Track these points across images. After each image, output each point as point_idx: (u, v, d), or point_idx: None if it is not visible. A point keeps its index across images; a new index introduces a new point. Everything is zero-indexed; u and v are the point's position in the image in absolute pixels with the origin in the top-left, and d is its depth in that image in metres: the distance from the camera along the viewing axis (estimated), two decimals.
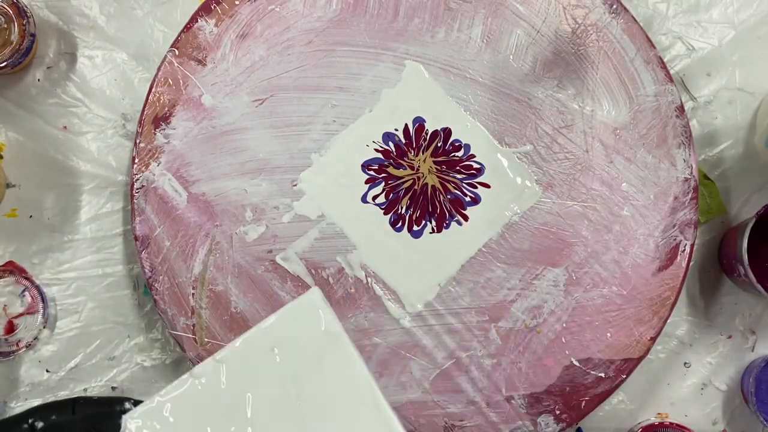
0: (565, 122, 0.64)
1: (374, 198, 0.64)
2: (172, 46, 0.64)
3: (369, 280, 0.63)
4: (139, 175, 0.63)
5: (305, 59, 0.64)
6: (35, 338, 0.64)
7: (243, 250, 0.63)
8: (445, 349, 0.63)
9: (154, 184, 0.63)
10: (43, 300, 0.64)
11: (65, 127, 0.66)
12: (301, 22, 0.64)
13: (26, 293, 0.65)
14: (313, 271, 0.63)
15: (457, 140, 0.64)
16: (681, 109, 0.64)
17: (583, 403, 0.62)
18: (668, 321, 0.63)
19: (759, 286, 0.60)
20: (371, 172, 0.64)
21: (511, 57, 0.65)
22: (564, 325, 0.63)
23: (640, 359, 0.62)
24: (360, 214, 0.63)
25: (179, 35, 0.64)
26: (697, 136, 0.67)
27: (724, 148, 0.68)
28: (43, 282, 0.65)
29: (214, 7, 0.64)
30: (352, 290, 0.63)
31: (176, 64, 0.64)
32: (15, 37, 0.62)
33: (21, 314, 0.65)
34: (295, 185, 0.64)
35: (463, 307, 0.63)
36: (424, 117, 0.64)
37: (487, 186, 0.64)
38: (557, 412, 0.62)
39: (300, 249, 0.63)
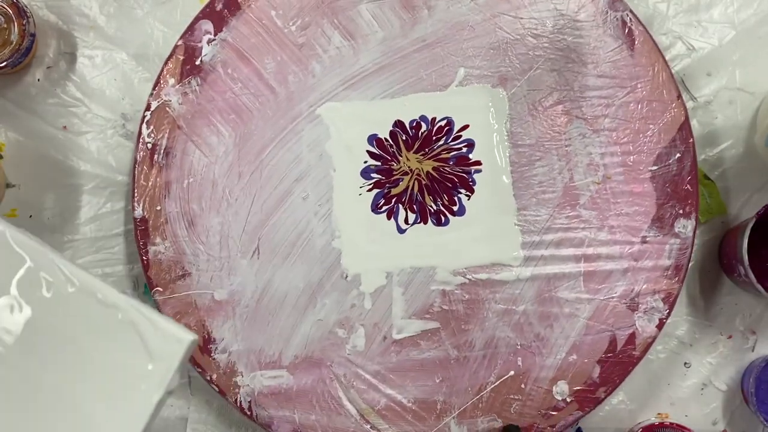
0: (464, 27, 0.65)
1: (405, 221, 0.64)
2: (152, 288, 0.63)
3: (469, 276, 0.64)
4: (238, 397, 0.62)
5: (251, 189, 0.64)
6: None
7: (368, 359, 0.63)
8: (569, 258, 0.64)
9: (256, 390, 0.63)
10: None
11: (65, 127, 0.66)
12: (217, 168, 0.64)
13: None
14: (428, 315, 0.63)
15: (413, 121, 0.65)
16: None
17: (689, 186, 0.64)
18: (668, 320, 0.63)
19: (759, 286, 0.60)
20: (383, 208, 0.64)
21: (378, 28, 0.65)
22: (619, 152, 0.64)
23: (687, 118, 0.64)
24: (404, 241, 0.64)
25: (147, 274, 0.63)
26: (698, 136, 0.67)
27: (724, 148, 0.68)
28: None
29: (147, 230, 0.63)
30: (467, 296, 0.63)
31: (170, 297, 0.63)
32: (15, 37, 0.62)
33: None
34: (347, 277, 0.63)
35: (545, 221, 0.64)
36: (375, 132, 0.64)
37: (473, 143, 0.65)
38: (680, 212, 0.64)
39: (401, 311, 0.63)
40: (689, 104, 0.68)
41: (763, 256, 0.65)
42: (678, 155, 0.64)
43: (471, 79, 0.65)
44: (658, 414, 0.66)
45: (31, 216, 0.66)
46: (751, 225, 0.60)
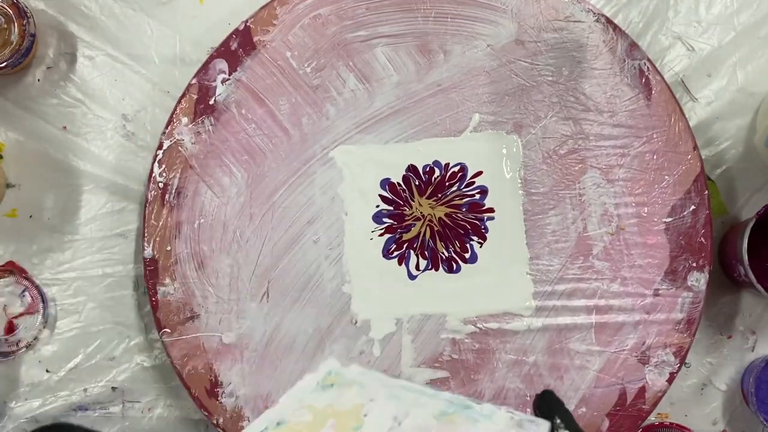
0: (480, 73, 0.65)
1: (417, 267, 0.64)
2: (160, 330, 0.62)
3: (479, 325, 0.63)
4: None
5: (261, 231, 0.64)
6: (35, 338, 0.64)
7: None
8: (580, 309, 0.63)
9: None
10: (43, 300, 0.64)
11: (65, 127, 0.66)
12: (229, 209, 0.64)
13: (26, 293, 0.65)
14: (437, 364, 0.63)
15: (426, 166, 0.64)
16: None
17: (703, 239, 0.64)
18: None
19: (759, 286, 0.60)
20: (395, 254, 0.64)
21: (393, 72, 0.65)
22: (633, 203, 0.64)
23: (702, 170, 0.64)
24: (415, 288, 0.64)
25: (156, 315, 0.62)
26: (698, 137, 0.67)
27: (724, 148, 0.68)
28: (43, 282, 0.65)
29: (156, 271, 0.63)
30: (477, 346, 0.63)
31: (177, 338, 0.62)
32: (15, 37, 0.62)
33: (21, 314, 0.65)
34: (357, 322, 0.63)
35: (559, 269, 0.64)
36: (388, 176, 0.64)
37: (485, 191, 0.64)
38: (694, 264, 0.63)
39: (410, 360, 0.63)
40: (689, 104, 0.68)
41: (763, 256, 0.65)
42: (693, 207, 0.64)
43: (485, 125, 0.64)
44: (658, 414, 0.66)
45: (31, 216, 0.66)
46: (751, 225, 0.60)
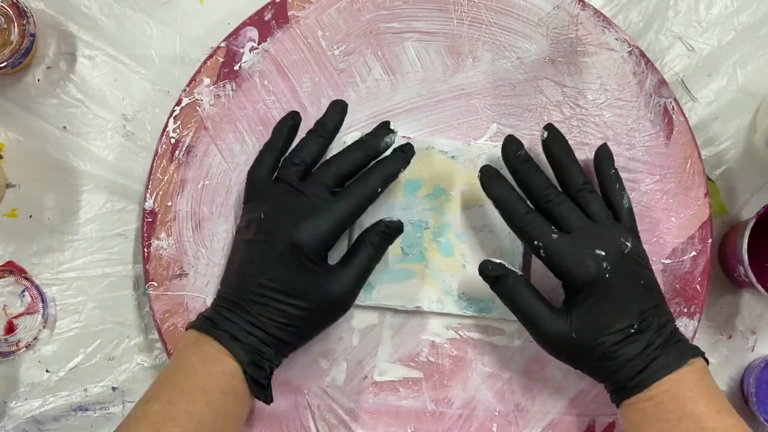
0: (505, 84, 0.65)
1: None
2: (147, 282, 0.62)
3: (461, 333, 0.63)
4: None
5: None
6: (35, 338, 0.64)
7: (345, 395, 0.63)
8: None
9: None
10: (43, 300, 0.64)
11: (65, 127, 0.66)
12: (235, 176, 0.63)
13: (26, 293, 0.65)
14: (413, 363, 0.63)
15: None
16: (581, 1, 0.65)
17: (699, 286, 0.63)
18: None
19: (759, 286, 0.60)
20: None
21: (420, 68, 0.65)
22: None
23: (710, 219, 0.64)
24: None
25: (145, 267, 0.62)
26: (698, 137, 0.67)
27: (724, 148, 0.68)
28: (43, 282, 0.65)
29: (153, 223, 0.63)
30: (455, 353, 0.63)
31: (163, 293, 0.62)
32: (15, 37, 0.62)
33: (21, 314, 0.65)
34: None
35: (549, 291, 0.62)
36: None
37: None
38: (685, 310, 0.63)
39: (387, 354, 0.63)
40: (689, 104, 0.68)
41: (763, 256, 0.65)
42: (693, 253, 0.63)
43: (502, 136, 0.63)
44: None
45: (31, 216, 0.66)
46: (751, 225, 0.60)
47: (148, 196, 0.63)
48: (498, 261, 0.57)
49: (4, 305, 0.65)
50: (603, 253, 0.54)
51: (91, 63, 0.67)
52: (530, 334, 0.57)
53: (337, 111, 0.59)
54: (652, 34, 0.68)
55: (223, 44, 0.64)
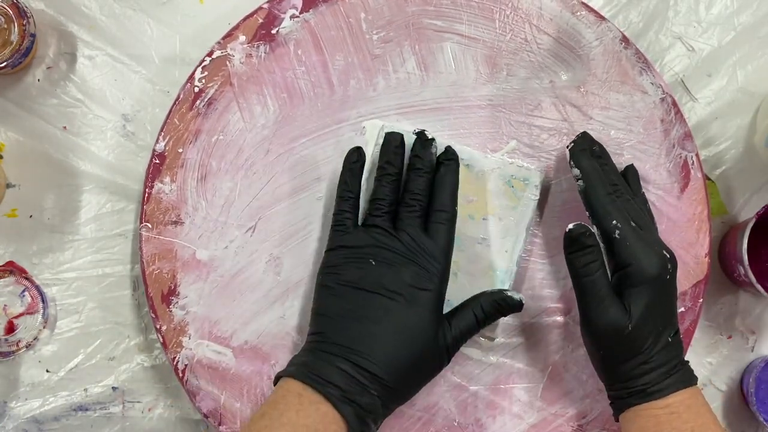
0: (533, 104, 0.64)
1: None
2: (142, 222, 0.63)
3: None
4: (177, 357, 0.62)
5: (272, 169, 0.63)
6: (35, 338, 0.64)
7: None
8: (538, 361, 0.63)
9: (196, 357, 0.62)
10: (43, 300, 0.64)
11: (65, 127, 0.66)
12: (250, 137, 0.63)
13: (26, 293, 0.65)
14: None
15: None
16: (625, 39, 0.64)
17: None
18: None
19: (759, 286, 0.60)
20: None
21: (454, 70, 0.64)
22: None
23: (706, 280, 0.63)
24: None
25: (143, 207, 0.63)
26: (698, 137, 0.67)
27: (724, 148, 0.68)
28: (43, 282, 0.65)
29: (161, 166, 0.63)
30: None
31: (155, 236, 0.63)
32: (15, 37, 0.62)
33: (21, 314, 0.65)
34: None
35: (533, 316, 0.63)
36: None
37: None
38: None
39: None
40: (689, 104, 0.68)
41: (763, 256, 0.65)
42: (682, 309, 0.63)
43: (519, 154, 0.64)
44: None
45: (31, 216, 0.66)
46: (751, 225, 0.60)
47: (161, 138, 0.63)
48: (594, 229, 0.56)
49: (5, 305, 0.65)
50: (668, 256, 0.55)
51: (91, 63, 0.67)
52: (581, 315, 0.56)
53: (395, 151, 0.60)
54: (652, 34, 0.68)
55: (265, 5, 0.64)
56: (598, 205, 0.57)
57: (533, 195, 0.62)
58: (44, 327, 0.65)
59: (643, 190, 0.63)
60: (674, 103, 0.64)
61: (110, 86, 0.67)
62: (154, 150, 0.63)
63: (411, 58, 0.64)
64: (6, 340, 0.64)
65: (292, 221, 0.63)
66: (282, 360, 0.62)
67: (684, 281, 0.63)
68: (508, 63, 0.64)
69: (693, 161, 0.64)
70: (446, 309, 0.58)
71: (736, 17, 0.68)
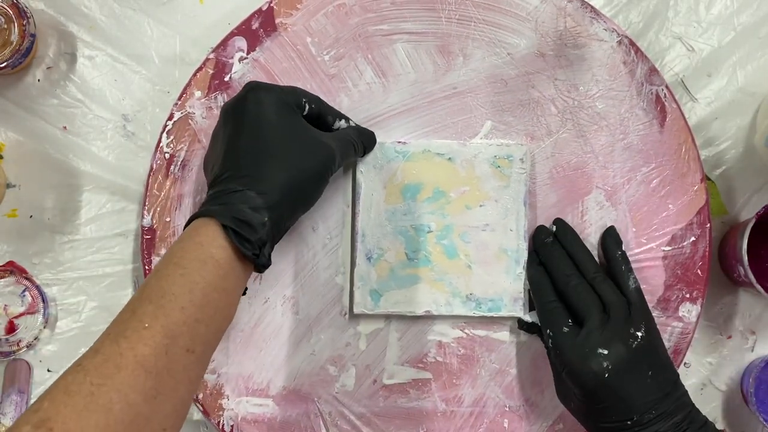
0: (498, 80, 0.64)
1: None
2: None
3: (467, 331, 0.63)
4: (221, 420, 0.62)
5: None
6: (36, 338, 0.64)
7: (355, 400, 0.63)
8: None
9: (240, 415, 0.62)
10: (44, 300, 0.64)
11: (65, 127, 0.66)
12: None
13: (26, 293, 0.65)
14: (421, 364, 0.63)
15: None
16: None
17: (700, 271, 0.63)
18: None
19: (759, 286, 0.60)
20: None
21: (411, 69, 0.64)
22: (633, 229, 0.64)
23: (707, 204, 0.64)
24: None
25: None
26: (698, 137, 0.67)
27: (724, 148, 0.68)
28: (43, 282, 0.65)
29: (153, 240, 0.63)
30: (462, 351, 0.63)
31: None
32: (15, 37, 0.62)
33: (21, 314, 0.65)
34: (346, 314, 0.63)
35: None
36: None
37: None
38: (687, 296, 0.63)
39: (395, 357, 0.63)
40: (689, 104, 0.68)
41: (763, 256, 0.65)
42: (693, 239, 0.63)
43: (497, 132, 0.64)
44: None
45: (31, 216, 0.66)
46: (751, 225, 0.60)
47: (145, 213, 0.63)
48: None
49: (5, 305, 0.65)
50: (605, 352, 0.55)
51: (91, 63, 0.67)
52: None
53: None
54: (652, 34, 0.68)
55: (212, 56, 0.64)
56: (539, 313, 0.61)
57: (521, 169, 0.63)
58: (45, 327, 0.65)
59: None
60: (632, 43, 0.64)
61: (110, 86, 0.67)
62: (142, 226, 0.63)
63: (367, 69, 0.64)
64: (7, 339, 0.64)
65: (295, 258, 0.63)
66: (324, 394, 0.62)
67: (687, 211, 0.63)
68: (462, 47, 0.64)
69: (665, 93, 0.64)
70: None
71: (736, 17, 0.68)
